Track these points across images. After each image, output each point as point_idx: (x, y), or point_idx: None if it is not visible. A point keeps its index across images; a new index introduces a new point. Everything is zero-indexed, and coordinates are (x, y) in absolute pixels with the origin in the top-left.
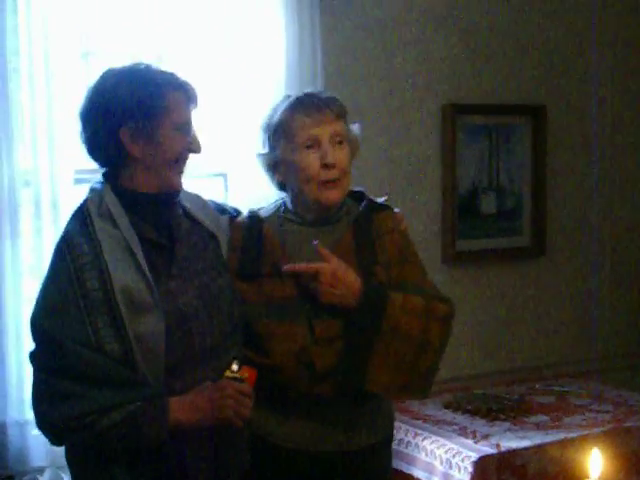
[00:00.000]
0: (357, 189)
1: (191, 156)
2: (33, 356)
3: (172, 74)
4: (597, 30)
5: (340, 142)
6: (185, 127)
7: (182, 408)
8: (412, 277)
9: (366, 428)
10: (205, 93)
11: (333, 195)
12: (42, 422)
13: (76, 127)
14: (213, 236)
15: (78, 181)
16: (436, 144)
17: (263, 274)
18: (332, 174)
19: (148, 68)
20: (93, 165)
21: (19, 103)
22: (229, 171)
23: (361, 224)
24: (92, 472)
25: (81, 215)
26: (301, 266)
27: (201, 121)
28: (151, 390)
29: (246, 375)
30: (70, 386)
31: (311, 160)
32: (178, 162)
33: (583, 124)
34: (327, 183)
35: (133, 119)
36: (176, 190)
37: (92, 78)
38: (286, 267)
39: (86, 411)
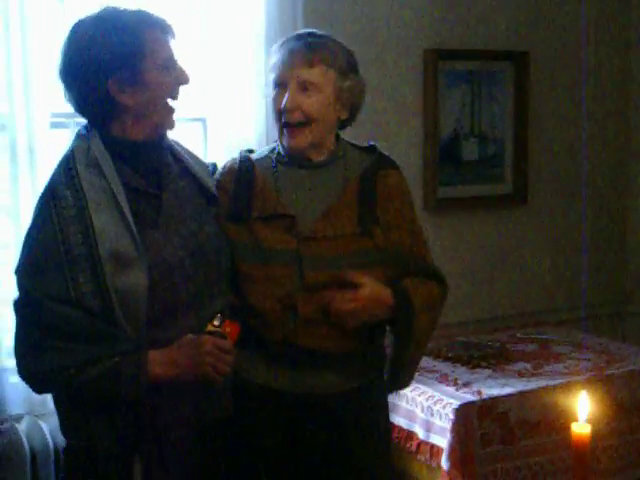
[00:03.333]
0: (370, 143)
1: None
2: (16, 305)
3: (143, 12)
4: None
5: (305, 89)
6: (169, 62)
7: (161, 363)
8: (415, 247)
9: (351, 371)
10: (184, 37)
11: (292, 141)
12: (22, 371)
13: (52, 72)
14: (201, 183)
15: (54, 125)
16: (418, 90)
17: (253, 217)
18: (290, 117)
19: (117, 12)
20: (69, 109)
21: None
22: (208, 115)
23: (366, 180)
24: (74, 418)
25: (67, 165)
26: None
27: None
28: (130, 345)
29: (228, 330)
30: (49, 340)
31: (277, 101)
32: (171, 100)
33: (566, 70)
34: (287, 128)
35: (116, 69)
36: (170, 129)
37: (68, 21)
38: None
39: (64, 365)
